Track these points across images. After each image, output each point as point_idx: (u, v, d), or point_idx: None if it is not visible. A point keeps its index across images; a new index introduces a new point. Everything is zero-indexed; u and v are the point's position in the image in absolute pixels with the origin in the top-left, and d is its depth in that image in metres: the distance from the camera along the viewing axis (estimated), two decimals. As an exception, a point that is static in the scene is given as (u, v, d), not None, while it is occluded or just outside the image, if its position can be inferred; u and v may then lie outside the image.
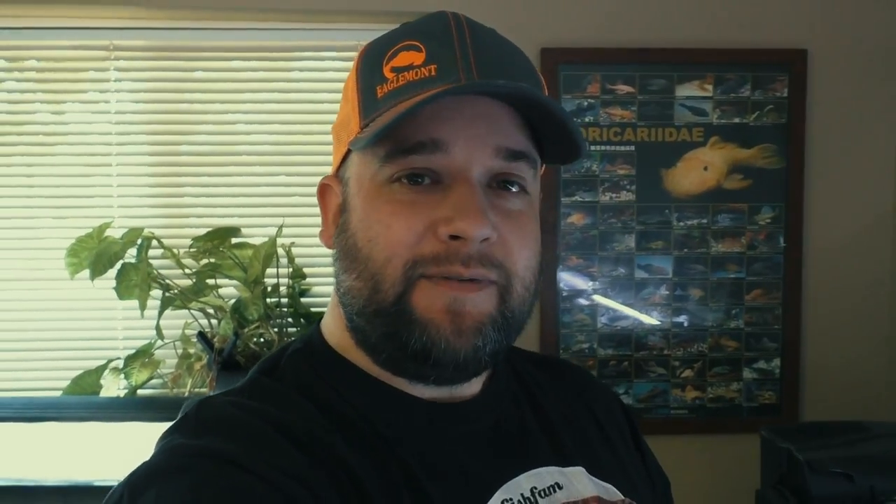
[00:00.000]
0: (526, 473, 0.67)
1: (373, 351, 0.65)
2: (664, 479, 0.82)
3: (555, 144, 0.66)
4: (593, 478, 0.70)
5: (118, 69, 2.12)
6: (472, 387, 0.69)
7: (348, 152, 0.67)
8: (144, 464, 0.59)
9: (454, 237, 0.60)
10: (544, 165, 0.70)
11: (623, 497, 0.71)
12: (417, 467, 0.63)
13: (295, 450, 0.59)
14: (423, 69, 0.62)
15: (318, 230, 0.73)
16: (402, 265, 0.61)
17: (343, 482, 0.59)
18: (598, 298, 2.09)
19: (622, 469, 0.75)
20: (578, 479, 0.69)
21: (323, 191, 0.72)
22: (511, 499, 0.65)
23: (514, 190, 0.64)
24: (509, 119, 0.63)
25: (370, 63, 0.66)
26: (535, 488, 0.66)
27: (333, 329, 0.70)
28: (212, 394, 0.67)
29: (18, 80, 2.15)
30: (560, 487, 0.67)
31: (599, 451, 0.74)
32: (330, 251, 0.70)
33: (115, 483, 0.59)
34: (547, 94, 0.67)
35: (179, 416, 0.64)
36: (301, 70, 2.17)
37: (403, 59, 0.63)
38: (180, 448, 0.59)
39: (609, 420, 0.79)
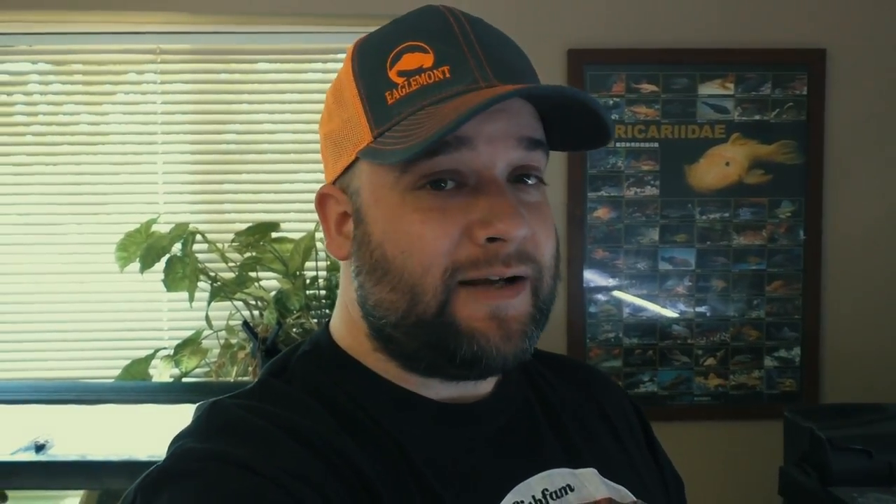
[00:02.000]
0: (537, 475, 0.66)
1: (409, 360, 0.64)
2: (678, 479, 0.82)
3: (563, 131, 0.65)
4: (605, 479, 0.69)
5: (164, 72, 2.22)
6: (483, 387, 0.68)
7: (354, 161, 0.64)
8: (156, 467, 0.59)
9: (492, 239, 0.59)
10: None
11: (635, 499, 0.70)
12: (428, 469, 0.62)
13: (305, 452, 0.59)
14: (435, 72, 0.60)
15: None
16: (441, 273, 0.60)
17: (354, 484, 0.59)
18: (620, 295, 2.17)
19: (634, 470, 0.74)
20: (590, 481, 0.68)
21: (322, 201, 0.69)
22: (522, 501, 0.64)
23: (531, 182, 0.64)
24: (525, 110, 0.63)
25: (370, 67, 0.63)
26: (547, 490, 0.66)
27: (343, 332, 0.69)
28: (223, 396, 0.66)
29: (70, 83, 2.25)
30: (571, 489, 0.67)
31: (611, 452, 0.74)
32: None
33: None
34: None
35: (192, 418, 0.65)
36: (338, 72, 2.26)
37: (410, 61, 0.61)
38: (191, 452, 0.59)
39: (621, 420, 0.78)
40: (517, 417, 0.70)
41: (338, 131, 0.66)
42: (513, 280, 0.61)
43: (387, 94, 0.61)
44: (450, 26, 0.62)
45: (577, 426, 0.73)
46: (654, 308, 2.18)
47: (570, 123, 0.64)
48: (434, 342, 0.61)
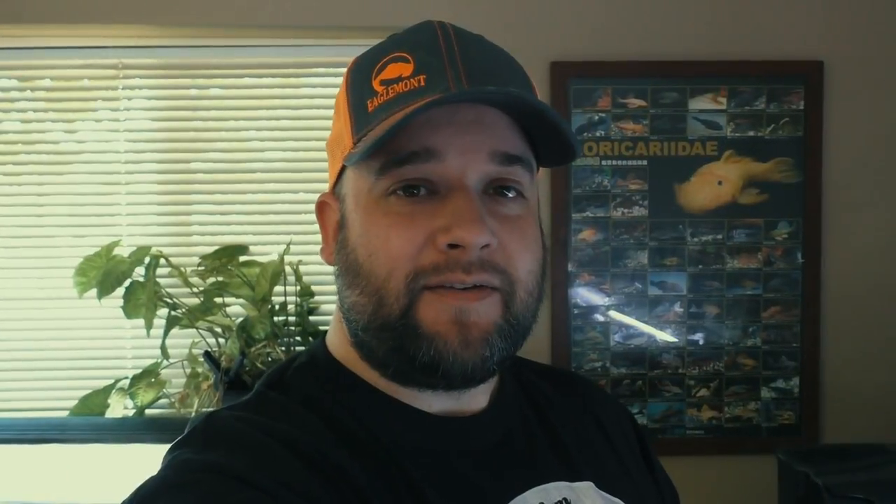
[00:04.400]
0: (534, 489, 0.66)
1: (380, 365, 0.64)
2: (673, 491, 0.82)
3: (549, 147, 0.66)
4: (602, 492, 0.69)
5: (127, 87, 2.12)
6: (479, 400, 0.69)
7: (343, 168, 0.67)
8: (151, 479, 0.59)
9: (453, 246, 0.60)
10: (540, 169, 0.70)
11: None
12: (424, 483, 0.62)
13: (301, 465, 0.59)
14: (412, 80, 0.62)
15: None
16: (404, 278, 0.60)
17: (349, 497, 0.59)
18: (613, 314, 2.05)
19: (631, 483, 0.74)
20: (587, 495, 0.68)
21: (321, 208, 0.72)
22: None
23: (510, 195, 0.64)
24: (503, 124, 0.63)
25: (359, 77, 0.66)
26: None
27: (338, 344, 0.69)
28: (218, 408, 0.68)
29: (29, 100, 2.15)
30: (568, 503, 0.67)
31: (608, 466, 0.74)
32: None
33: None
34: (539, 97, 0.67)
35: (187, 430, 0.64)
36: (309, 87, 2.16)
37: (392, 71, 0.63)
38: (186, 463, 0.59)
39: (617, 433, 0.78)
40: (514, 431, 0.70)
41: (333, 140, 0.69)
42: (477, 288, 0.61)
43: (368, 102, 0.64)
44: (436, 38, 0.63)
45: (574, 439, 0.73)
46: (643, 333, 2.05)
47: (546, 137, 0.65)
48: (398, 346, 0.61)
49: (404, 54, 0.63)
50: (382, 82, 0.63)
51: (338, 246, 0.67)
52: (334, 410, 0.65)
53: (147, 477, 0.59)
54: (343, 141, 0.66)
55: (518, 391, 0.75)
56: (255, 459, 0.58)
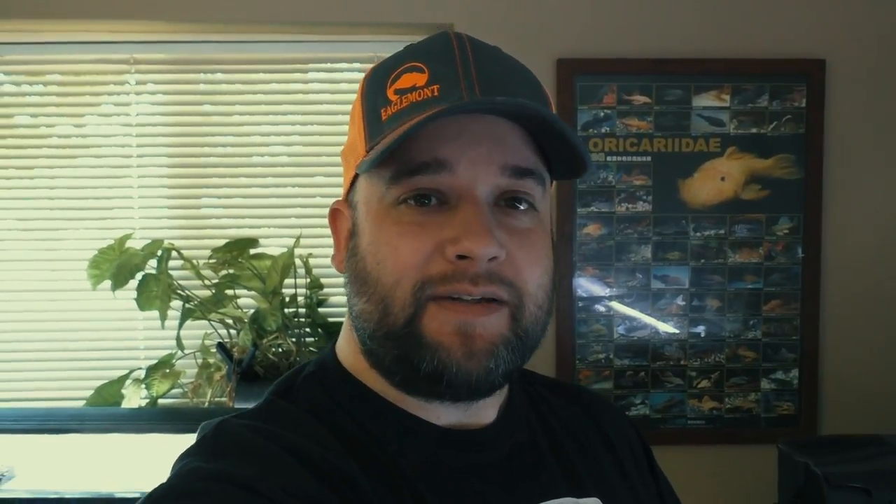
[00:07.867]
0: None
1: (387, 373, 0.64)
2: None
3: (561, 159, 0.66)
4: None
5: (139, 82, 2.15)
6: (488, 414, 0.69)
7: (356, 176, 0.67)
8: (160, 486, 0.58)
9: (461, 257, 0.60)
10: (554, 182, 0.70)
11: None
12: (431, 496, 0.62)
13: (310, 475, 0.59)
14: (425, 90, 0.62)
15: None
16: (411, 287, 0.61)
17: None
18: (616, 307, 2.09)
19: (637, 498, 0.74)
20: None
21: (334, 216, 0.72)
22: None
23: (522, 207, 0.64)
24: (515, 136, 0.63)
25: (374, 87, 0.66)
26: None
27: (347, 352, 0.69)
28: (228, 416, 0.66)
29: (41, 94, 2.18)
30: None
31: (615, 480, 0.74)
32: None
33: (137, 495, 0.61)
34: (554, 109, 0.67)
35: (196, 438, 0.65)
36: (319, 82, 2.19)
37: (406, 80, 0.63)
38: (196, 471, 0.59)
39: (624, 447, 0.78)
40: (521, 445, 0.70)
41: (348, 149, 0.69)
42: (484, 302, 0.61)
43: (382, 111, 0.64)
44: (451, 49, 0.64)
45: (581, 454, 0.73)
46: (646, 326, 2.10)
47: (557, 150, 0.65)
48: (402, 354, 0.62)
49: (419, 64, 0.64)
50: (397, 91, 0.63)
51: (348, 253, 0.67)
52: (343, 421, 0.65)
53: (157, 483, 0.59)
54: (357, 149, 0.66)
55: (527, 405, 0.75)
56: (264, 468, 0.58)
